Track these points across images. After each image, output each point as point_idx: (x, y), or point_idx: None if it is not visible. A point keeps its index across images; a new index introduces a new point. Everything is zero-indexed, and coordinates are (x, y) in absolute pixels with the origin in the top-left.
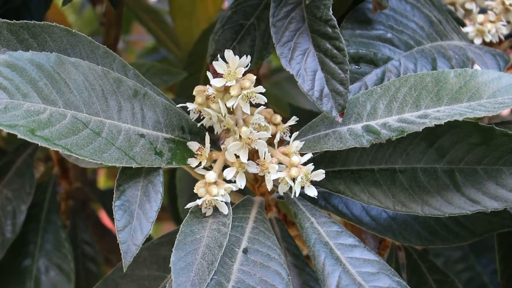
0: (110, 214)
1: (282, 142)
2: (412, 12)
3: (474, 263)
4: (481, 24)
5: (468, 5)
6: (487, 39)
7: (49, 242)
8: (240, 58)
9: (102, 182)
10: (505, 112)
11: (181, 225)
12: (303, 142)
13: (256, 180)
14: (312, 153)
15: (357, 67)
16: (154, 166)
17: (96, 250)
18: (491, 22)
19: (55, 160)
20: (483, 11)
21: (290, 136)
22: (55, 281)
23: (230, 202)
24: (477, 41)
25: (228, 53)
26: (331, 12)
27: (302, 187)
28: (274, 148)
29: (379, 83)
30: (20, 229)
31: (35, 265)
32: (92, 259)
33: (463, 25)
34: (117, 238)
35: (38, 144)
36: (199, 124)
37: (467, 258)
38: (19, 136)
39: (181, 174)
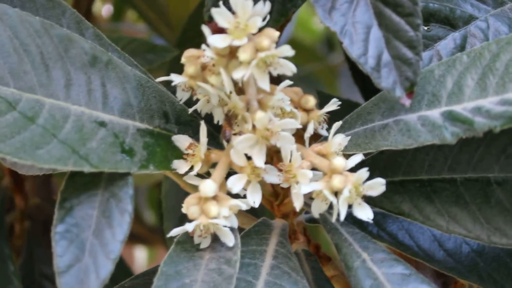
0: None
1: (316, 138)
2: None
3: None
4: None
5: None
6: None
7: None
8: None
9: None
10: None
11: (162, 263)
12: (349, 137)
13: (275, 195)
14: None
15: (425, 28)
16: (119, 171)
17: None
18: None
19: (5, 168)
20: None
21: (327, 130)
22: None
23: (238, 227)
24: None
25: None
26: None
27: (350, 206)
28: (305, 145)
29: (458, 52)
30: None
31: None
32: None
33: None
34: (57, 283)
35: None
36: (191, 110)
37: None
38: None
39: (168, 187)
